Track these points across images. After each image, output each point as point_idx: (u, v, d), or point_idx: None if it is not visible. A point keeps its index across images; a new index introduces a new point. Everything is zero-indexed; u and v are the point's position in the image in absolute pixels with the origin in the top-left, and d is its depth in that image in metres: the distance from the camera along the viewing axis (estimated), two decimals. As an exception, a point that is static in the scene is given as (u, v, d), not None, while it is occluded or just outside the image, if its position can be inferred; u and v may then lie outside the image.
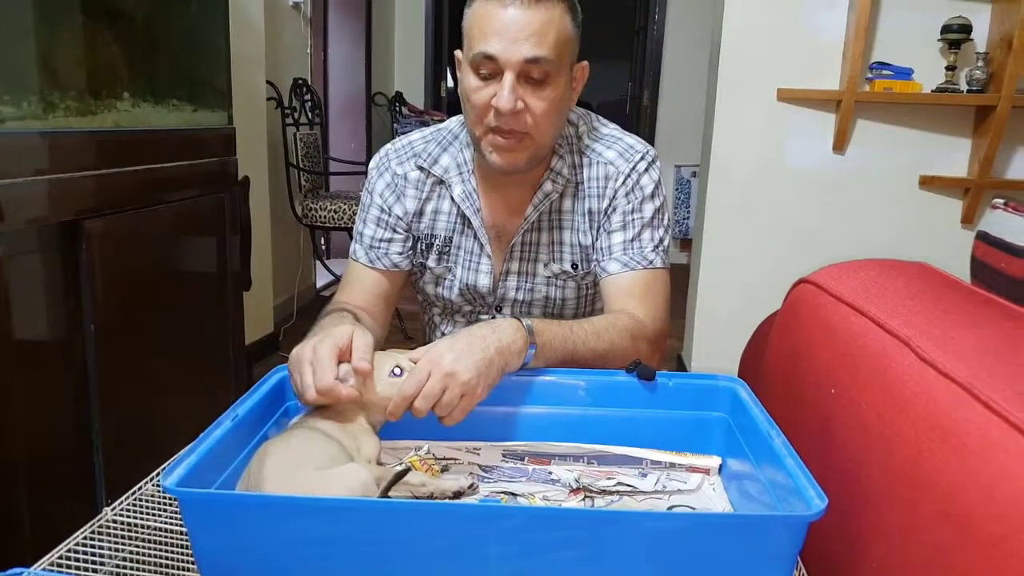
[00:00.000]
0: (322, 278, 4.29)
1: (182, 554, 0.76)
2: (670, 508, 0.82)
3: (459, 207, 1.16)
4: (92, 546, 0.73)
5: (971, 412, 0.59)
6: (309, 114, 3.79)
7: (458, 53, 1.09)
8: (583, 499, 0.83)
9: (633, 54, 6.24)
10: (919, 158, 2.69)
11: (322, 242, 4.57)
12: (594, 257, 1.16)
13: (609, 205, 1.14)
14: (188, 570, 0.75)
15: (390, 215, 1.18)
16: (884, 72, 2.60)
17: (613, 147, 1.16)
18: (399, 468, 0.76)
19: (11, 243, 1.31)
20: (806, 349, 0.95)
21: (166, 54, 1.79)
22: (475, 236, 1.17)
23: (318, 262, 4.17)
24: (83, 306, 1.47)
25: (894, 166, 2.70)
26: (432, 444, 0.89)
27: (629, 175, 1.14)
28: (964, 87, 2.56)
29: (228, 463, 0.74)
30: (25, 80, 1.36)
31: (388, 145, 1.22)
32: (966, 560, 0.55)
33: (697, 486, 0.85)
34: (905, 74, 2.59)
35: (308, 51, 4.07)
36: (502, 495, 0.82)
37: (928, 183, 2.69)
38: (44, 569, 0.68)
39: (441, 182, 1.17)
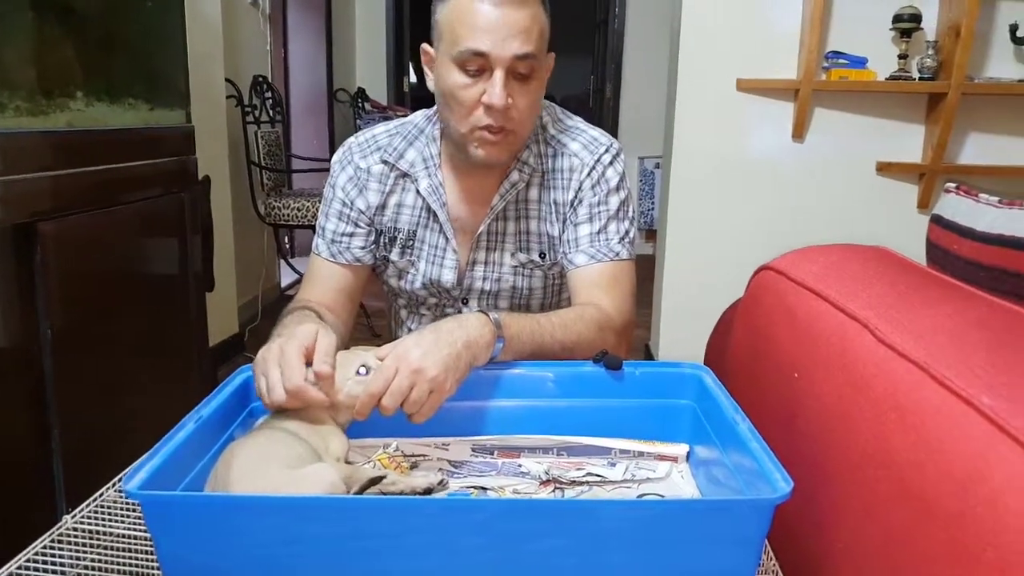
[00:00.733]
0: (287, 277, 4.25)
1: (146, 561, 0.74)
2: (639, 496, 0.82)
3: (425, 200, 1.15)
4: (52, 555, 0.72)
5: (927, 391, 0.60)
6: (270, 111, 3.74)
7: (428, 48, 1.08)
8: (553, 491, 0.83)
9: (595, 47, 6.26)
10: (875, 145, 2.74)
11: (286, 240, 4.53)
12: (560, 249, 1.16)
13: (575, 197, 1.15)
14: (153, 576, 0.74)
15: (352, 209, 1.17)
16: (839, 61, 2.64)
17: (578, 139, 1.16)
18: (372, 472, 0.75)
19: (-38, 248, 1.27)
20: (769, 334, 0.96)
21: (121, 52, 1.75)
22: (440, 230, 1.16)
23: (282, 261, 4.13)
24: (39, 310, 1.44)
25: (852, 153, 2.74)
26: (401, 441, 0.89)
27: (594, 167, 1.14)
28: (916, 75, 2.61)
29: (193, 466, 0.73)
30: (-28, 80, 1.32)
31: (351, 139, 1.21)
32: (925, 536, 0.57)
33: (666, 474, 0.86)
34: (859, 63, 2.64)
35: (268, 48, 4.02)
36: (472, 490, 0.82)
37: (885, 169, 2.74)
38: (4, 580, 0.67)
39: (406, 175, 1.16)
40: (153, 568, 0.74)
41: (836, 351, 0.76)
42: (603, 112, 5.69)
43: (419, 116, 1.19)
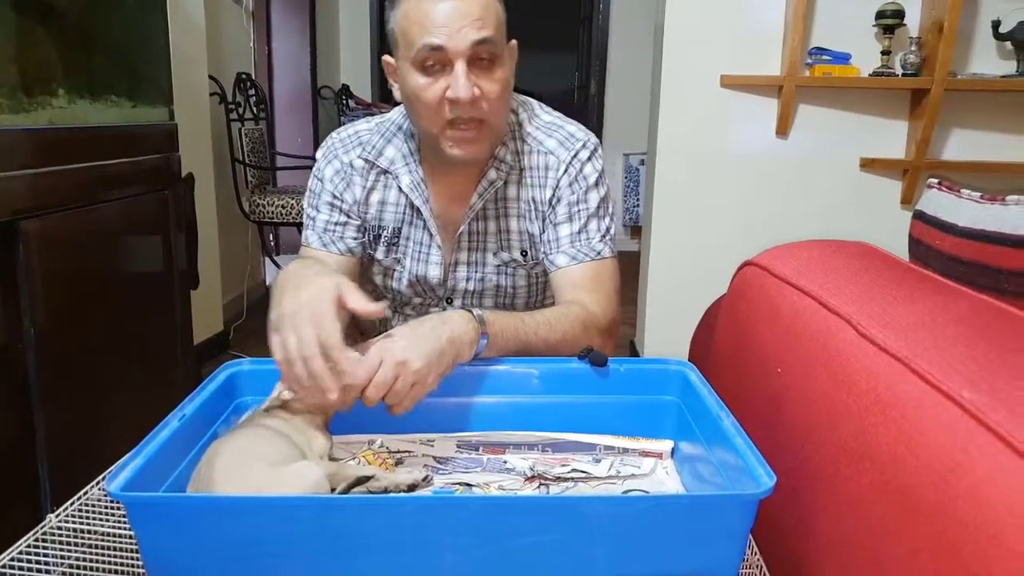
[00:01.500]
0: (271, 275, 4.23)
1: (131, 560, 0.74)
2: (624, 493, 0.83)
3: (408, 197, 1.15)
4: (36, 554, 0.71)
5: (909, 385, 0.61)
6: (254, 109, 3.72)
7: (388, 59, 1.08)
8: (538, 487, 0.83)
9: (579, 44, 6.25)
10: (859, 141, 2.75)
11: (271, 238, 4.50)
12: (541, 249, 1.16)
13: (553, 196, 1.14)
14: None
15: (342, 201, 1.17)
16: (823, 57, 2.65)
17: (554, 135, 1.15)
18: (358, 471, 0.75)
19: (-58, 247, 1.26)
20: (752, 330, 0.97)
21: (103, 50, 1.74)
22: (424, 226, 1.16)
23: (267, 258, 4.11)
24: (22, 309, 1.43)
25: (835, 149, 2.76)
26: (385, 438, 0.89)
27: (571, 164, 1.13)
28: (899, 71, 2.63)
29: (176, 464, 0.73)
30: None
31: (334, 134, 1.20)
32: (907, 528, 0.57)
33: (650, 470, 0.86)
34: (843, 59, 2.65)
35: (251, 45, 3.99)
36: (457, 486, 0.82)
37: (868, 165, 2.76)
38: (-14, 581, 0.66)
39: (386, 172, 1.16)
40: (138, 567, 0.73)
41: (819, 346, 0.76)
42: (588, 108, 5.68)
43: (396, 113, 1.19)
